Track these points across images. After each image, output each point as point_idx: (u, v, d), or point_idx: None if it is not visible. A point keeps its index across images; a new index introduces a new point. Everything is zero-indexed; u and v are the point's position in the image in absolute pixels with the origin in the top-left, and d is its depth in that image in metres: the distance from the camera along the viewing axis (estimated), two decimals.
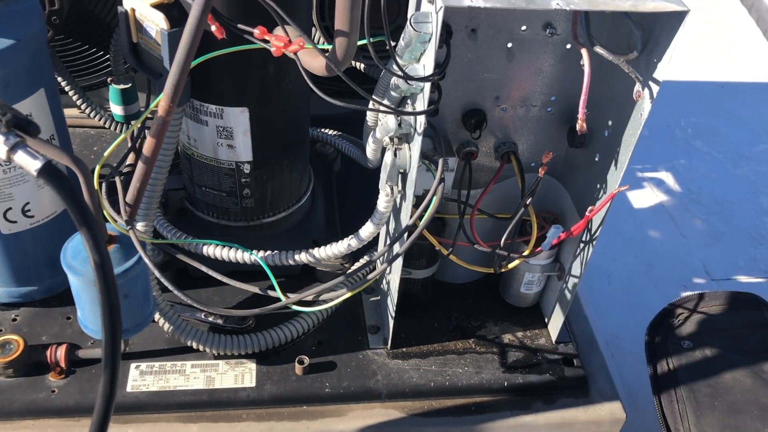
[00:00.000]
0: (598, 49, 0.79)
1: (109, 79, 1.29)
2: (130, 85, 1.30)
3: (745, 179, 1.95)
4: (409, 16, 0.77)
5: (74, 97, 1.32)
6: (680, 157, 2.00)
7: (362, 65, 1.33)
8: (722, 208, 1.82)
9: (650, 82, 0.83)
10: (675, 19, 0.77)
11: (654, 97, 0.83)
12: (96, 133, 1.53)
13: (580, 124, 0.84)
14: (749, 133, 1.96)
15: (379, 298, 1.21)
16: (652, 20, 0.81)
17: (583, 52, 0.79)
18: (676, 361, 1.05)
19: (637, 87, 0.81)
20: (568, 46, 0.97)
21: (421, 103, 0.84)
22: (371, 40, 0.79)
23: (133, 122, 1.33)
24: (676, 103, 2.25)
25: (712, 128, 2.15)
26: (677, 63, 2.40)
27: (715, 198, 1.86)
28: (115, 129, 1.38)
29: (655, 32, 0.81)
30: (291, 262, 1.06)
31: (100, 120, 1.36)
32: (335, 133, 1.45)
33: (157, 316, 1.03)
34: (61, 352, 1.02)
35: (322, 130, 1.45)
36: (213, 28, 0.83)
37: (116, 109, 1.32)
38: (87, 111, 1.35)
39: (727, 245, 1.70)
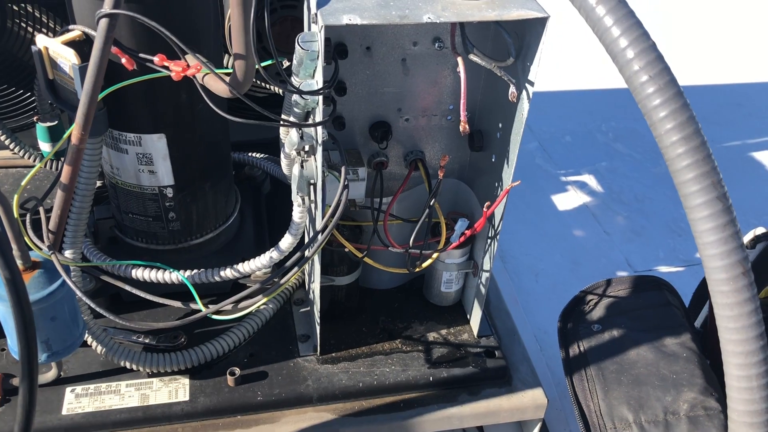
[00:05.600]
0: (473, 57, 0.86)
1: (35, 118, 1.33)
2: (56, 122, 1.34)
3: (664, 176, 2.07)
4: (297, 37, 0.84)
5: (2, 138, 1.36)
6: (602, 159, 2.11)
7: (280, 90, 1.39)
8: (642, 205, 1.93)
9: (526, 84, 0.91)
10: (539, 24, 0.86)
11: (530, 97, 0.91)
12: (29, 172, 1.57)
13: (463, 126, 0.91)
14: None
15: (308, 309, 1.26)
16: (522, 28, 0.89)
17: (459, 60, 0.87)
18: (586, 344, 1.12)
19: (512, 89, 0.89)
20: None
21: (319, 116, 0.90)
22: (266, 63, 0.86)
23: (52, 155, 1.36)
24: (597, 110, 2.37)
25: (632, 131, 2.27)
26: (597, 71, 2.53)
27: (636, 195, 1.97)
28: (47, 166, 1.41)
29: (525, 39, 0.90)
30: (216, 278, 1.11)
31: (30, 158, 1.40)
32: (262, 156, 1.51)
33: (90, 339, 1.07)
34: None
35: (250, 153, 1.51)
36: (123, 60, 0.89)
37: (45, 147, 1.36)
38: (17, 151, 1.39)
39: (648, 239, 1.80)
